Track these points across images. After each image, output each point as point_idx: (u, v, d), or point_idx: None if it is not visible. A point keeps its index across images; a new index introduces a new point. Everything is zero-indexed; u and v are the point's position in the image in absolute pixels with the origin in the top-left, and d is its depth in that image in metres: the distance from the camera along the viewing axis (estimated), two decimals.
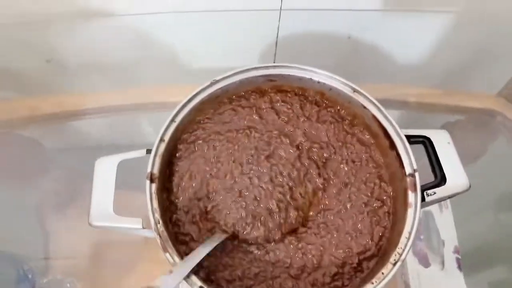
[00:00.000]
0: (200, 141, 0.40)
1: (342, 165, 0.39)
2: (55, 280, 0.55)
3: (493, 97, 0.59)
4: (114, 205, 0.35)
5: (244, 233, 0.36)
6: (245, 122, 0.41)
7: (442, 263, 0.53)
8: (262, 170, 0.37)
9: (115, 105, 0.56)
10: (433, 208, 0.56)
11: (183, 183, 0.38)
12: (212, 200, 0.37)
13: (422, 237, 0.55)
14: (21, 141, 0.63)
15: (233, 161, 0.38)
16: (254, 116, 0.41)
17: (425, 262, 0.53)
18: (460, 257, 0.53)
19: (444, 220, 0.56)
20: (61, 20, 0.51)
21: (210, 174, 0.38)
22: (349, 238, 0.36)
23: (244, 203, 0.36)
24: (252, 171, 0.37)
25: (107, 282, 0.54)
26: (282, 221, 0.36)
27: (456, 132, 0.61)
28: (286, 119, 0.41)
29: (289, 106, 0.42)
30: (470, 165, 0.58)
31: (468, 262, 0.53)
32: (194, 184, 0.38)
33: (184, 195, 0.38)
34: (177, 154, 0.39)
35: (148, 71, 0.60)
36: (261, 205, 0.36)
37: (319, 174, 0.38)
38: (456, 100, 0.59)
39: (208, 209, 0.37)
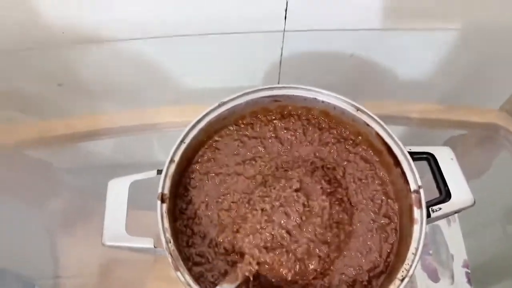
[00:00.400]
0: (212, 174, 0.41)
1: (350, 184, 0.40)
2: None
3: (496, 111, 0.59)
4: (126, 224, 0.36)
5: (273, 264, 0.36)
6: (252, 154, 0.43)
7: (452, 277, 0.53)
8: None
9: (123, 126, 0.57)
10: (441, 222, 0.57)
11: (199, 212, 0.39)
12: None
13: (431, 251, 0.55)
14: (30, 162, 0.64)
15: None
16: (259, 148, 0.43)
17: (434, 277, 0.53)
18: (469, 271, 0.53)
19: (453, 234, 0.56)
20: (72, 46, 0.53)
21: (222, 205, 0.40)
22: (359, 255, 0.37)
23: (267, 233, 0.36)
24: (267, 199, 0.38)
25: None
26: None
27: (459, 148, 0.62)
28: (289, 147, 0.43)
29: (292, 133, 0.43)
30: (475, 180, 0.59)
31: (477, 276, 0.53)
32: (210, 214, 0.39)
33: (200, 222, 0.39)
34: (190, 183, 0.41)
35: (154, 93, 0.61)
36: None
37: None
38: (458, 115, 0.59)
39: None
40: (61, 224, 0.64)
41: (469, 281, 0.52)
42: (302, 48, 0.57)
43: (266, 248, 0.35)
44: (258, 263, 0.35)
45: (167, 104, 0.59)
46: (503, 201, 0.60)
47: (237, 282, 0.34)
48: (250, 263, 0.35)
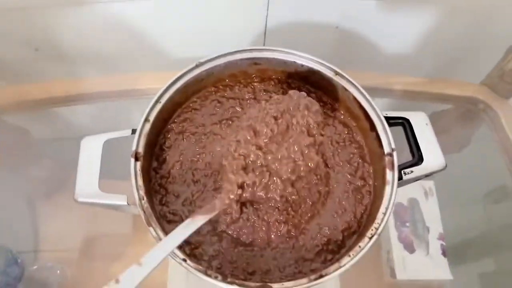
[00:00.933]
0: (188, 134, 0.41)
1: (328, 146, 0.40)
2: (45, 267, 0.55)
3: (476, 85, 0.60)
4: (103, 189, 0.36)
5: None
6: (229, 114, 0.42)
7: (427, 249, 0.54)
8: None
9: (101, 91, 0.56)
10: (419, 196, 0.58)
11: (174, 171, 0.39)
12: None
13: (407, 224, 0.56)
14: (9, 129, 0.63)
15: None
16: (236, 108, 0.42)
17: (410, 248, 0.54)
18: (444, 243, 0.54)
19: (429, 207, 0.57)
20: (49, 8, 0.51)
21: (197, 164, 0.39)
22: (335, 215, 0.37)
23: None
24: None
25: (96, 270, 0.54)
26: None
27: (441, 122, 0.63)
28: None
29: (271, 95, 0.43)
30: (455, 155, 0.60)
31: (454, 253, 0.54)
32: (184, 173, 0.39)
33: (174, 181, 0.38)
34: (165, 143, 0.40)
35: (134, 58, 0.60)
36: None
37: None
38: (439, 88, 0.60)
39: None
40: (41, 194, 0.63)
41: (443, 253, 0.54)
42: (288, 17, 0.56)
43: (244, 169, 0.34)
44: (241, 187, 0.34)
45: (147, 70, 0.58)
46: (481, 179, 0.61)
47: (213, 213, 0.33)
48: (230, 190, 0.33)
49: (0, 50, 0.56)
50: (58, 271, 0.55)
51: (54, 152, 0.66)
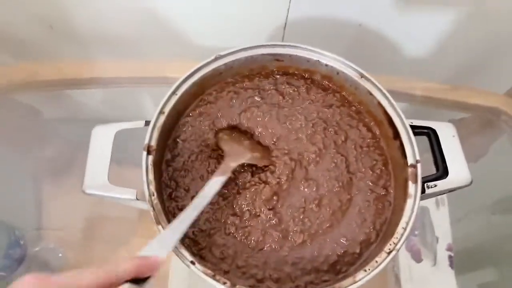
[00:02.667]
0: (204, 127, 0.39)
1: (351, 150, 0.39)
2: (47, 248, 0.55)
3: (500, 95, 0.58)
4: (111, 178, 0.35)
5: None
6: (247, 104, 0.40)
7: (434, 259, 0.53)
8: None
9: (115, 76, 0.55)
10: (430, 205, 0.56)
11: (187, 164, 0.38)
12: None
13: (416, 232, 0.55)
14: (20, 108, 0.62)
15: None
16: (256, 98, 0.40)
17: (417, 258, 0.53)
18: (452, 254, 0.53)
19: (440, 217, 0.56)
20: None
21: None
22: (354, 225, 0.36)
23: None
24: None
25: (98, 254, 0.54)
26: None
27: (460, 130, 0.61)
28: (291, 101, 0.40)
29: (295, 89, 0.41)
30: (471, 164, 0.58)
31: (460, 261, 0.53)
32: (197, 165, 0.38)
33: (186, 175, 0.37)
34: (181, 136, 0.39)
35: (153, 45, 0.59)
36: None
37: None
38: (462, 96, 0.58)
39: None
40: (48, 173, 0.63)
41: (451, 265, 0.52)
42: (309, 13, 0.54)
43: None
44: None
45: (164, 58, 0.56)
46: (494, 189, 0.60)
47: (228, 173, 0.34)
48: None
49: (13, 25, 0.54)
50: (60, 254, 0.55)
51: (64, 133, 0.66)
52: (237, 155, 0.35)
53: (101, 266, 0.23)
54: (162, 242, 0.28)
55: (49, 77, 0.55)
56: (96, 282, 0.22)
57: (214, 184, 0.33)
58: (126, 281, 0.23)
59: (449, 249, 0.54)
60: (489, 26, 0.53)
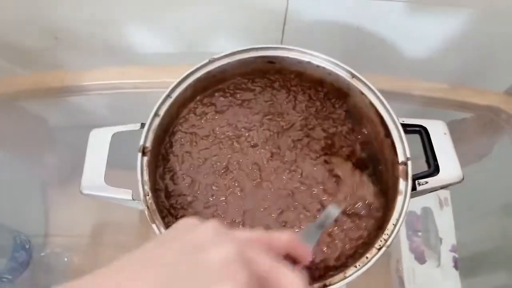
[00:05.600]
0: (199, 138, 0.40)
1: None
2: (53, 253, 0.56)
3: (500, 94, 0.57)
4: (108, 180, 0.36)
5: None
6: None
7: (438, 260, 0.52)
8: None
9: (116, 82, 0.56)
10: (433, 206, 0.56)
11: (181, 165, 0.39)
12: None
13: (420, 233, 0.54)
14: (27, 116, 0.64)
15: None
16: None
17: (421, 259, 0.53)
18: (457, 255, 0.52)
19: (444, 218, 0.55)
20: None
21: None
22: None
23: None
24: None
25: (103, 259, 0.54)
26: None
27: (461, 131, 0.61)
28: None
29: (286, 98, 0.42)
30: (474, 165, 0.57)
31: (467, 265, 0.52)
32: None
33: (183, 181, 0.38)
34: (175, 137, 0.40)
35: (151, 52, 0.60)
36: None
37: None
38: (462, 95, 0.57)
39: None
40: (54, 180, 0.64)
41: (455, 266, 0.52)
42: (307, 16, 0.55)
43: None
44: None
45: (163, 64, 0.58)
46: (500, 191, 0.59)
47: None
48: None
49: (21, 37, 0.56)
50: (66, 259, 0.56)
51: (69, 140, 0.67)
52: None
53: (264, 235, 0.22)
54: (310, 237, 0.28)
55: (53, 85, 0.57)
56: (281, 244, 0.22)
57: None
58: None
59: (453, 250, 0.53)
60: (489, 27, 0.53)
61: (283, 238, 0.22)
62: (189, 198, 0.37)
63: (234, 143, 0.39)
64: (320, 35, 0.56)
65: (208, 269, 0.16)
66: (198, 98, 0.41)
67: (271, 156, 0.38)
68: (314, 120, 0.41)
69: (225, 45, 0.56)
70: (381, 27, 0.56)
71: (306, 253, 0.23)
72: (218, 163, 0.38)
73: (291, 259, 0.23)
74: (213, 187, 0.37)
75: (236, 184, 0.37)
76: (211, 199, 0.37)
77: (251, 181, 0.37)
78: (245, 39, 0.58)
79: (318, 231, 0.29)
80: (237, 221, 0.36)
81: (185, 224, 0.20)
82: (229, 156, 0.39)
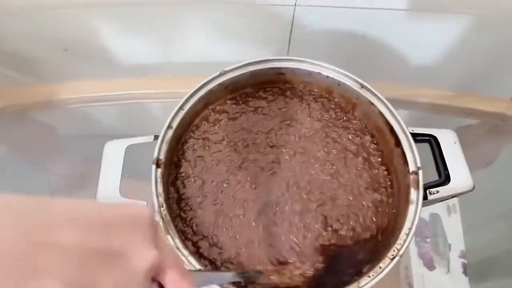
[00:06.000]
0: (212, 143, 0.41)
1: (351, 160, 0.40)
2: None
3: (505, 101, 0.58)
4: (123, 191, 0.36)
5: None
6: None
7: (448, 266, 0.52)
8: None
9: (126, 93, 0.57)
10: (441, 212, 0.56)
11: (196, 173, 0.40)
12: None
13: (428, 239, 0.55)
14: (36, 125, 0.64)
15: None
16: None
17: (430, 265, 0.53)
18: (466, 262, 0.52)
19: (452, 224, 0.55)
20: (79, 9, 0.52)
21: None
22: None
23: None
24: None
25: None
26: None
27: (467, 137, 0.61)
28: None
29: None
30: (481, 171, 0.58)
31: (475, 271, 0.52)
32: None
33: (194, 184, 0.39)
34: (189, 149, 0.41)
35: (161, 62, 0.61)
36: None
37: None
38: (467, 102, 0.58)
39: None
40: (62, 189, 0.64)
41: (464, 272, 0.52)
42: (313, 25, 0.55)
43: None
44: None
45: (172, 74, 0.59)
46: (508, 196, 0.59)
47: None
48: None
49: (31, 49, 0.57)
50: None
51: (78, 149, 0.68)
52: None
53: None
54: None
55: (64, 96, 0.57)
56: None
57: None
58: None
59: (462, 256, 0.53)
60: (495, 33, 0.53)
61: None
62: (199, 199, 0.38)
63: (250, 145, 0.40)
64: (326, 44, 0.57)
65: None
66: (210, 107, 0.42)
67: (294, 155, 0.39)
68: (335, 128, 0.42)
69: (231, 59, 0.57)
70: (386, 35, 0.56)
71: None
72: (232, 162, 0.39)
73: None
74: (224, 184, 0.38)
75: (248, 179, 0.38)
76: (220, 196, 0.38)
77: (265, 173, 0.38)
78: (251, 50, 0.59)
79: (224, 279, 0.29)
80: (237, 214, 0.37)
81: None
82: (244, 156, 0.39)
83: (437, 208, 0.56)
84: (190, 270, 0.29)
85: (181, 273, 0.19)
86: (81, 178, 0.64)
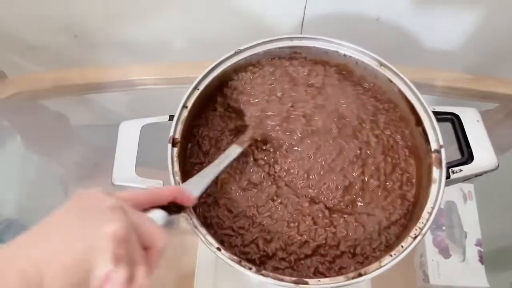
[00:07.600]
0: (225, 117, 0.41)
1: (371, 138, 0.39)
2: None
3: None
4: (139, 172, 0.36)
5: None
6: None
7: (463, 254, 0.51)
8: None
9: (138, 79, 0.56)
10: (457, 199, 0.55)
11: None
12: None
13: (444, 227, 0.54)
14: (49, 114, 0.65)
15: None
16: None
17: (445, 253, 0.52)
18: (482, 250, 0.51)
19: (468, 212, 0.54)
20: None
21: None
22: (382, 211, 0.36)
23: None
24: None
25: None
26: None
27: (485, 122, 0.59)
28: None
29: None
30: (498, 157, 0.56)
31: (493, 259, 0.52)
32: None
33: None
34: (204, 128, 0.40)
35: (175, 47, 0.60)
36: None
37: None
38: (486, 85, 0.56)
39: None
40: (74, 177, 0.65)
41: (481, 260, 0.51)
42: (326, 8, 0.54)
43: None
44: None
45: (186, 60, 0.58)
46: None
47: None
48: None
49: (41, 36, 0.57)
50: None
51: (90, 137, 0.68)
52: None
53: (150, 189, 0.30)
54: (194, 185, 0.32)
55: (74, 82, 0.57)
56: (147, 199, 0.27)
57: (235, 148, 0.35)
58: (162, 207, 0.28)
59: (478, 244, 0.52)
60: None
61: (168, 189, 0.29)
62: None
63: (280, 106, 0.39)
64: (339, 28, 0.56)
65: (101, 213, 0.24)
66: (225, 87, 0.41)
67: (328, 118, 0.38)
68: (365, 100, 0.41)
69: (244, 41, 0.56)
70: (401, 18, 0.55)
71: (189, 199, 0.30)
72: None
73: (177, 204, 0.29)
74: None
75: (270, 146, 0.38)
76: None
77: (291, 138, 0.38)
78: (264, 32, 0.58)
79: (204, 181, 0.32)
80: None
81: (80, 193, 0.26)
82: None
83: (453, 195, 0.55)
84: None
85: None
86: (93, 166, 0.64)
